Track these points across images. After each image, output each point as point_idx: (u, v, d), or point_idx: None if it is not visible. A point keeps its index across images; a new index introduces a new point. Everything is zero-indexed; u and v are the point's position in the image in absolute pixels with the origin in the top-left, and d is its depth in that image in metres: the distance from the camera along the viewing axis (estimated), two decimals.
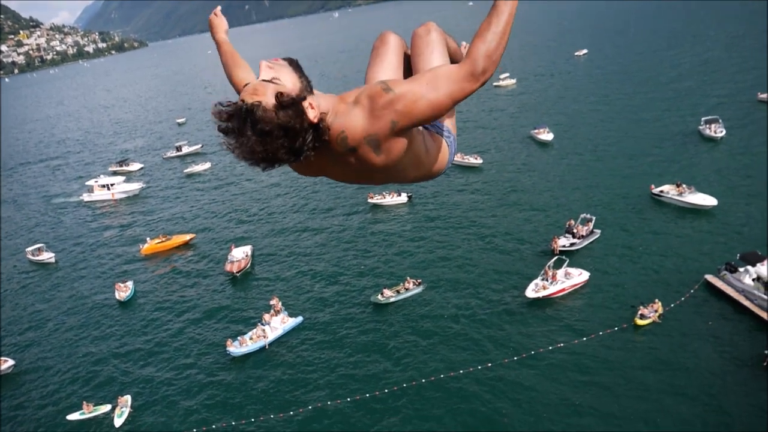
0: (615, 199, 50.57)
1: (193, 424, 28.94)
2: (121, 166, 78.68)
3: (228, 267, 43.67)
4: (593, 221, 44.08)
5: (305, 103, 2.78)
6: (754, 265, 34.39)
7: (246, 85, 2.83)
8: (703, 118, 64.15)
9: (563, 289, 36.71)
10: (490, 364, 30.59)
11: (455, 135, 3.79)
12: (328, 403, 29.20)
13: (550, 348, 31.52)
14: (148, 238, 51.18)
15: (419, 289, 38.61)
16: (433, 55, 3.57)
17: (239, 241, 48.72)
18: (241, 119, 2.62)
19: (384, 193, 55.16)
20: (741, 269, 35.10)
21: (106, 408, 30.50)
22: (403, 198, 54.49)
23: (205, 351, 35.08)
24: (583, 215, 44.48)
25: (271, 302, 37.38)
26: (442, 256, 43.16)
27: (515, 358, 30.82)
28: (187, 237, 51.10)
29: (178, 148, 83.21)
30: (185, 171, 73.70)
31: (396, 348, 33.31)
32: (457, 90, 2.81)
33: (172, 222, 57.58)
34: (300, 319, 36.69)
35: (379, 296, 37.77)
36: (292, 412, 28.86)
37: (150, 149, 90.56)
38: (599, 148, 63.76)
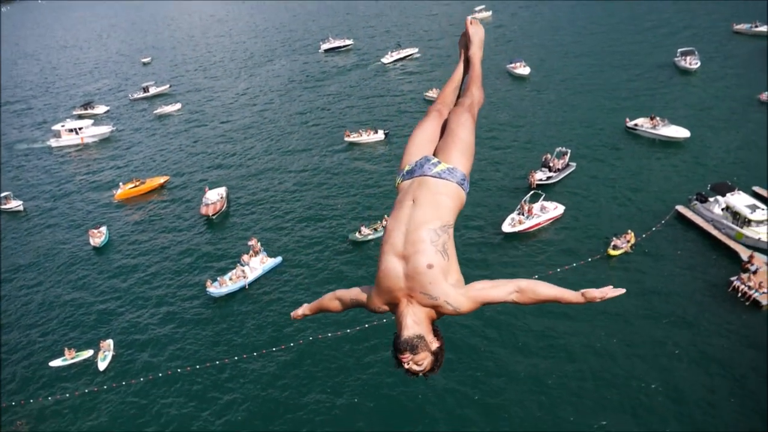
0: (590, 132, 50.79)
1: (177, 364, 29.30)
2: (86, 109, 75.94)
3: (203, 210, 43.19)
4: (569, 154, 44.35)
5: (438, 346, 4.04)
6: (723, 195, 35.17)
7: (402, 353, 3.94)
8: (678, 50, 63.99)
9: (539, 223, 37.25)
10: None
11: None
12: (310, 339, 29.70)
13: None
14: (120, 183, 50.09)
15: None
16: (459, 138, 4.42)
17: (213, 183, 48.03)
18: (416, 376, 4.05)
19: (360, 131, 54.51)
20: (711, 199, 35.91)
21: (88, 353, 30.61)
22: (380, 135, 53.95)
23: (185, 293, 35.13)
24: (558, 149, 44.67)
25: (250, 243, 37.31)
26: None
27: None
28: (162, 179, 50.18)
29: (145, 89, 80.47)
30: (155, 112, 71.59)
31: None
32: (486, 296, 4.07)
33: (144, 165, 56.36)
34: (279, 259, 36.78)
35: (357, 234, 37.92)
36: (274, 349, 29.34)
37: (115, 91, 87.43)
38: (575, 82, 63.45)
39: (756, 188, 38.26)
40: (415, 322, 3.85)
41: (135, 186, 49.12)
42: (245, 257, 35.93)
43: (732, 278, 30.40)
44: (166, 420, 26.00)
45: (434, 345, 3.95)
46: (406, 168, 4.29)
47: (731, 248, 33.17)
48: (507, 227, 36.58)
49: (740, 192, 35.44)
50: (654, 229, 35.81)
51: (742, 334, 27.45)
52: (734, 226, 33.81)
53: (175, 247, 40.30)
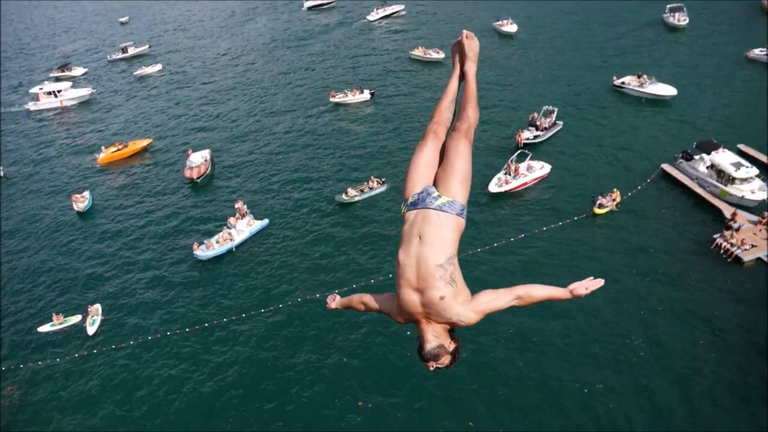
0: (577, 91, 50.48)
1: (166, 327, 29.36)
2: (64, 71, 73.82)
3: (187, 173, 42.64)
4: (555, 112, 44.16)
5: (456, 346, 4.67)
6: (709, 153, 35.30)
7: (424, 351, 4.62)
8: (667, 6, 63.26)
9: (525, 183, 37.28)
10: None
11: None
12: (299, 300, 29.83)
13: (512, 239, 32.44)
14: (103, 147, 49.16)
15: (383, 188, 38.67)
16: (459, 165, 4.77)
17: (197, 146, 47.31)
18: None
19: (346, 91, 53.71)
20: (696, 157, 36.06)
21: (76, 318, 30.53)
22: (366, 95, 53.22)
23: (172, 256, 34.96)
24: (545, 107, 44.44)
25: (236, 205, 37.03)
26: (405, 157, 42.93)
27: (479, 250, 31.65)
28: (145, 142, 49.32)
29: (124, 50, 78.27)
30: (135, 74, 69.87)
31: (364, 244, 33.80)
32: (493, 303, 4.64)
33: (126, 128, 55.27)
34: (266, 221, 36.60)
35: (344, 195, 37.75)
36: (263, 311, 29.47)
37: (93, 52, 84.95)
38: (563, 40, 62.70)
39: (741, 146, 38.46)
40: (435, 337, 4.55)
41: (117, 150, 48.27)
42: (232, 220, 35.71)
43: (715, 236, 30.80)
44: (158, 382, 26.20)
45: (452, 347, 4.64)
46: (410, 199, 4.71)
47: (715, 206, 33.50)
48: (494, 187, 36.58)
49: (725, 150, 35.59)
50: (639, 187, 36.01)
51: (725, 289, 27.98)
52: (719, 184, 34.06)
53: (160, 211, 39.92)
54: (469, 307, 4.50)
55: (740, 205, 32.97)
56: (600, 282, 4.68)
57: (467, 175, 4.72)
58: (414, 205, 4.68)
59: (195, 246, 34.08)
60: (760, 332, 25.39)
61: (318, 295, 29.94)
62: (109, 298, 32.12)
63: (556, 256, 31.08)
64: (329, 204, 38.07)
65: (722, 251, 29.97)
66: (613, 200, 34.47)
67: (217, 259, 33.94)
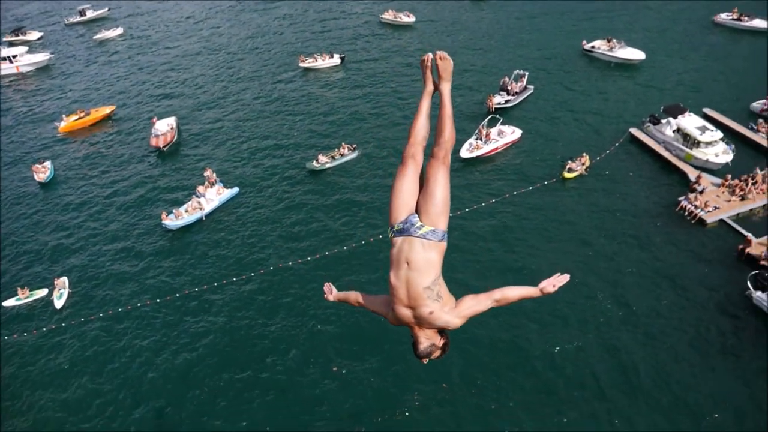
0: (548, 55, 50.47)
1: (138, 298, 28.96)
2: (18, 35, 70.44)
3: (153, 141, 41.53)
4: (526, 76, 44.15)
5: (445, 341, 5.29)
6: (675, 117, 35.84)
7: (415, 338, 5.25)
8: None
9: (496, 148, 37.40)
10: None
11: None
12: (271, 268, 29.68)
13: (483, 204, 32.66)
14: (63, 115, 47.42)
15: (354, 155, 38.36)
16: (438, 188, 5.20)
17: (162, 114, 46.05)
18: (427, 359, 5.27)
19: (315, 56, 52.71)
20: (663, 121, 36.58)
21: (43, 292, 29.85)
22: (336, 60, 52.31)
23: (140, 227, 34.29)
24: (516, 71, 44.36)
25: (205, 174, 36.33)
26: (377, 123, 42.59)
27: (451, 215, 31.73)
28: (107, 110, 47.73)
29: (82, 12, 74.99)
30: (95, 38, 67.15)
31: (336, 211, 33.64)
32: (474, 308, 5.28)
33: (87, 96, 53.34)
34: (236, 189, 36.07)
35: (315, 163, 37.36)
36: (235, 279, 29.26)
37: (48, 15, 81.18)
38: (533, 4, 62.29)
39: (707, 110, 39.15)
40: (426, 339, 5.19)
41: (79, 118, 46.66)
42: (201, 188, 35.09)
43: (680, 198, 31.50)
44: (131, 354, 25.93)
45: (441, 342, 5.26)
46: (396, 227, 5.12)
47: (681, 169, 34.20)
48: (465, 153, 36.61)
49: (691, 114, 36.17)
50: (608, 151, 36.47)
51: (688, 250, 28.78)
52: (684, 148, 34.70)
53: (126, 181, 38.95)
54: (455, 314, 5.12)
55: (705, 168, 33.72)
56: (566, 278, 5.24)
57: (447, 202, 5.15)
58: (400, 233, 5.09)
59: (164, 215, 33.46)
60: (720, 290, 26.28)
61: (290, 263, 29.83)
62: (76, 270, 31.44)
63: (527, 220, 31.46)
64: (300, 171, 37.66)
65: (686, 213, 30.71)
66: (583, 164, 34.87)
67: (187, 228, 33.43)
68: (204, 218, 33.95)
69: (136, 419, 23.00)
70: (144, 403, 23.64)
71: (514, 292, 5.28)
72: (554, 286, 5.21)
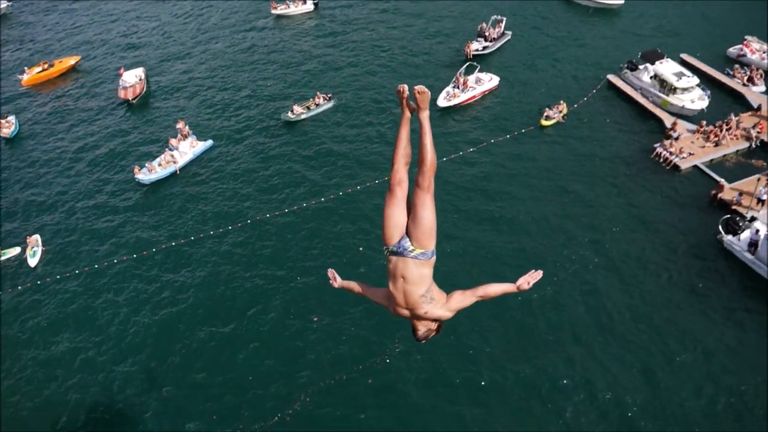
0: (526, 0, 49.44)
1: (114, 255, 28.54)
2: None
3: (121, 94, 40.15)
4: (504, 22, 43.40)
5: (439, 324, 6.07)
6: (653, 63, 35.68)
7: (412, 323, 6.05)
8: None
9: (474, 96, 37.02)
10: None
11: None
12: (249, 221, 29.41)
13: (461, 153, 32.53)
14: (26, 68, 45.37)
15: (330, 104, 37.66)
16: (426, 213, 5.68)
17: (129, 65, 44.38)
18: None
19: (288, 2, 50.85)
20: (641, 67, 36.41)
21: (15, 251, 29.19)
22: (309, 6, 50.63)
23: (113, 182, 33.50)
24: (494, 17, 43.53)
25: (177, 126, 35.39)
26: (353, 72, 41.65)
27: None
28: (72, 60, 45.78)
29: None
30: None
31: (315, 162, 33.23)
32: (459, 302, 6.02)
33: (49, 46, 50.97)
34: (210, 142, 35.29)
35: (289, 113, 36.60)
36: (212, 232, 28.96)
37: None
38: None
39: (684, 56, 39.06)
40: (423, 326, 6.01)
41: (43, 70, 44.74)
42: (173, 141, 34.24)
43: (656, 145, 31.72)
44: (111, 311, 25.71)
45: (435, 325, 6.06)
46: (391, 247, 5.67)
47: (657, 116, 34.31)
48: (442, 101, 36.17)
49: (669, 60, 36.04)
50: (585, 98, 36.36)
51: (664, 195, 29.21)
52: (661, 94, 34.72)
53: (95, 135, 37.78)
54: (446, 308, 5.91)
55: (680, 114, 33.88)
56: (539, 274, 5.98)
57: (434, 226, 5.66)
58: (394, 253, 5.67)
59: (136, 170, 32.69)
60: (692, 234, 26.86)
61: (268, 215, 29.58)
62: (49, 227, 30.76)
63: (505, 169, 31.50)
64: (275, 123, 36.91)
65: (662, 160, 31.00)
66: (560, 112, 34.78)
67: (161, 182, 32.78)
68: (178, 172, 33.28)
69: (120, 374, 23.02)
70: (127, 358, 23.63)
71: (495, 289, 6.02)
72: (529, 283, 6.00)
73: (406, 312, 5.91)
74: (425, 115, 5.55)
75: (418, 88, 5.44)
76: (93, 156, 35.74)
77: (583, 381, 21.12)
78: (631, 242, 26.71)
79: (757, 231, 24.66)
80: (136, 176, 32.46)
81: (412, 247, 5.61)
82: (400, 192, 5.66)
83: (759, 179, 27.70)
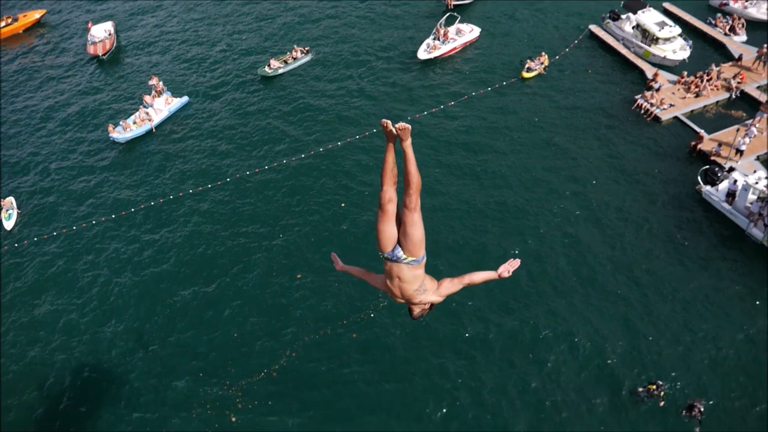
0: None
1: (92, 214, 28.03)
2: None
3: (91, 49, 38.65)
4: None
5: (432, 304, 7.03)
6: (635, 13, 35.20)
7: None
8: None
9: (455, 48, 36.36)
10: (376, 129, 30.91)
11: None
12: (228, 180, 28.98)
13: (442, 107, 32.15)
14: None
15: (308, 58, 36.74)
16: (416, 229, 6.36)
17: (97, 19, 42.59)
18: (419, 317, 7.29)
19: None
20: (623, 17, 35.92)
21: None
22: None
23: (87, 141, 32.60)
24: None
25: (151, 82, 34.30)
26: (331, 24, 40.49)
27: (409, 118, 31.30)
28: (37, 14, 43.79)
29: None
30: None
31: (295, 117, 32.62)
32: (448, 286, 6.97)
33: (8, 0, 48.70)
34: (186, 99, 34.35)
35: (267, 68, 35.65)
36: (191, 191, 28.52)
37: None
38: None
39: (666, 4, 38.59)
40: (418, 308, 6.93)
41: (6, 25, 42.75)
42: (147, 98, 33.26)
43: (637, 96, 31.61)
44: (93, 272, 25.39)
45: (429, 306, 6.96)
46: (385, 255, 6.46)
47: (638, 67, 34.08)
48: (422, 54, 35.48)
49: (651, 9, 35.56)
50: (567, 49, 35.93)
51: (644, 146, 29.32)
52: (642, 45, 34.40)
53: (65, 93, 36.54)
54: (437, 294, 6.82)
55: (662, 65, 33.69)
56: (517, 262, 6.86)
57: (422, 238, 6.35)
58: (389, 259, 6.48)
59: (110, 128, 31.78)
60: (672, 185, 27.13)
61: (248, 173, 29.16)
62: (23, 189, 30.00)
63: (487, 122, 31.27)
64: (252, 78, 35.97)
65: (643, 111, 30.96)
66: (542, 63, 34.36)
67: (137, 141, 32.00)
68: (154, 129, 32.48)
69: (105, 335, 22.94)
70: (110, 319, 23.50)
71: (478, 276, 6.90)
72: (509, 271, 6.83)
73: (402, 301, 6.84)
74: (407, 144, 5.96)
75: (400, 125, 5.84)
76: (65, 115, 34.65)
77: (564, 332, 21.55)
78: (612, 194, 26.90)
79: (735, 181, 24.96)
80: (110, 135, 31.61)
81: (404, 256, 6.42)
82: (391, 208, 6.29)
83: (738, 130, 27.84)
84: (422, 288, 6.65)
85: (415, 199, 6.16)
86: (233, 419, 19.93)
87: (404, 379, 20.59)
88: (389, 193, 6.21)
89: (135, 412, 20.47)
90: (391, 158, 6.18)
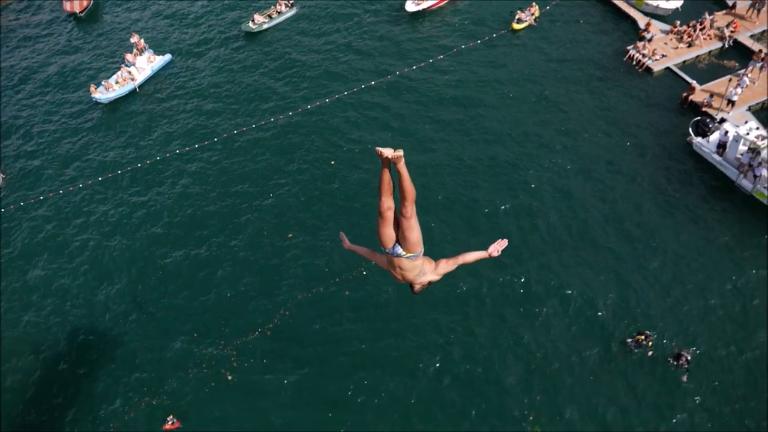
0: None
1: (79, 178, 27.57)
2: None
3: (67, 6, 37.22)
4: None
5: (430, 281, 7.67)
6: None
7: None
8: None
9: (443, 0, 35.45)
10: (365, 84, 30.44)
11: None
12: (215, 139, 28.51)
13: (431, 61, 31.53)
14: None
15: (292, 12, 35.72)
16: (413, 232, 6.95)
17: None
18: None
19: None
20: None
21: None
22: None
23: (69, 102, 31.80)
24: None
25: (132, 40, 33.25)
26: None
27: (398, 73, 30.74)
28: None
29: None
30: None
31: (282, 73, 31.96)
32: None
33: None
34: (168, 56, 33.44)
35: (251, 23, 34.64)
36: (178, 151, 28.10)
37: None
38: None
39: None
40: (419, 285, 7.48)
41: None
42: (129, 57, 32.34)
43: (629, 47, 31.12)
44: (82, 236, 25.16)
45: (428, 283, 7.53)
46: (387, 251, 7.13)
47: (631, 16, 33.44)
48: (410, 6, 34.55)
49: None
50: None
51: (635, 97, 29.08)
52: None
53: (43, 53, 35.39)
54: (435, 274, 7.46)
55: (654, 14, 33.07)
56: (505, 242, 7.63)
57: (419, 238, 6.97)
58: (391, 254, 7.14)
59: (93, 88, 30.98)
60: (664, 136, 27.05)
61: (235, 132, 28.71)
62: (6, 153, 29.33)
63: (476, 75, 30.81)
64: (237, 34, 34.99)
65: (635, 62, 30.54)
66: (532, 14, 33.63)
67: (121, 101, 31.29)
68: (137, 89, 31.73)
69: (99, 299, 22.93)
70: (103, 283, 23.44)
71: (471, 256, 7.55)
72: (498, 251, 7.49)
73: (405, 284, 7.60)
74: (401, 165, 6.39)
75: (394, 156, 6.29)
76: (44, 76, 33.68)
77: (555, 286, 21.76)
78: (603, 147, 26.79)
79: (726, 132, 24.87)
80: (92, 95, 30.84)
81: (404, 252, 7.06)
82: (389, 215, 6.87)
83: (730, 80, 27.59)
84: (421, 272, 7.29)
85: (410, 209, 6.69)
86: (229, 378, 20.18)
87: (397, 335, 20.83)
88: (387, 202, 6.80)
89: (133, 373, 20.66)
90: (386, 177, 6.70)
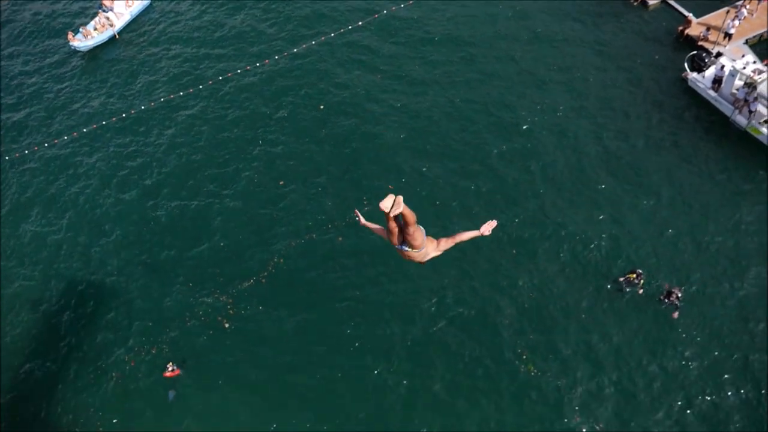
0: None
1: (64, 130, 26.99)
2: None
3: None
4: None
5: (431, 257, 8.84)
6: None
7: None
8: None
9: None
10: (352, 25, 29.51)
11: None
12: (201, 87, 27.79)
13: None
14: None
15: None
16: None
17: None
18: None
19: None
20: None
21: None
22: None
23: (47, 51, 30.76)
24: None
25: None
26: None
27: (385, 12, 29.74)
28: None
29: None
30: None
31: (267, 16, 30.97)
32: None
33: None
34: (147, 1, 32.17)
35: None
36: (163, 100, 27.43)
37: None
38: None
39: None
40: (423, 259, 8.38)
41: None
42: (107, 2, 31.10)
43: None
44: (73, 191, 24.87)
45: (431, 257, 8.48)
46: (396, 246, 8.20)
47: None
48: None
49: None
50: None
51: (631, 32, 28.42)
52: None
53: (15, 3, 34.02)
54: (437, 251, 8.42)
55: None
56: (494, 222, 8.40)
57: (422, 240, 8.02)
58: (399, 249, 8.23)
59: (70, 36, 29.89)
60: (660, 71, 26.61)
61: (221, 78, 27.96)
62: None
63: (468, 10, 29.89)
64: None
65: None
66: None
67: (100, 48, 30.31)
68: (117, 36, 30.68)
69: (95, 253, 22.86)
70: (98, 237, 23.30)
71: (466, 235, 8.47)
72: (489, 230, 8.28)
73: (411, 262, 8.60)
74: (403, 208, 7.42)
75: (396, 212, 7.40)
76: (17, 25, 32.45)
77: (549, 228, 21.77)
78: (598, 83, 26.32)
79: (722, 67, 24.37)
80: (70, 43, 29.80)
81: (410, 249, 8.14)
82: (395, 230, 8.02)
83: (728, 12, 26.82)
84: (426, 253, 8.27)
85: (413, 230, 7.81)
86: (226, 325, 20.38)
87: (392, 281, 20.95)
88: (392, 223, 7.95)
89: (132, 323, 20.83)
90: (392, 224, 7.95)
